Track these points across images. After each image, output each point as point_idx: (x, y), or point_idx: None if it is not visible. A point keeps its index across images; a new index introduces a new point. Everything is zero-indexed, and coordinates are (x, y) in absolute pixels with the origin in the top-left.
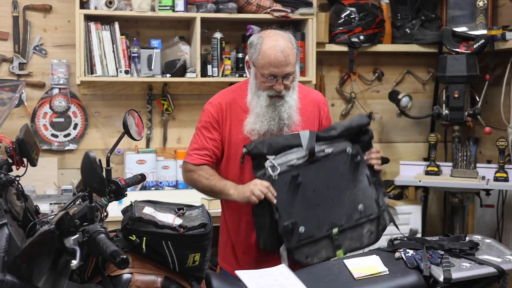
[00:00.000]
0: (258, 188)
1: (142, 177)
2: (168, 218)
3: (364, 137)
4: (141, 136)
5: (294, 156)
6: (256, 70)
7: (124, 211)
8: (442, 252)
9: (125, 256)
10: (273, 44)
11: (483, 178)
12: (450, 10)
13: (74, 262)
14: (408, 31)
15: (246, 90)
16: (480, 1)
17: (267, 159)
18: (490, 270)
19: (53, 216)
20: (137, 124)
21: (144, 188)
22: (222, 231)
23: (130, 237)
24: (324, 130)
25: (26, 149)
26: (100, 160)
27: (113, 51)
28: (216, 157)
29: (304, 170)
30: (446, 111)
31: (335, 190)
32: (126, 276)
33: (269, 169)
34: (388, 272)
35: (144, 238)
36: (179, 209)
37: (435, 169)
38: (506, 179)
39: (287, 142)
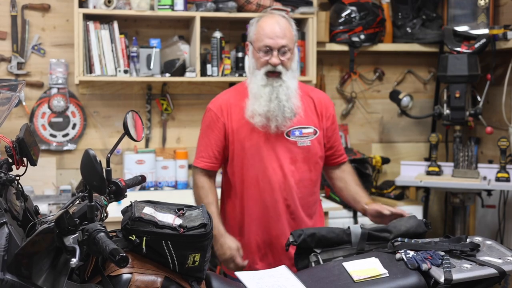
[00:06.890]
0: (230, 266)
1: (143, 178)
2: (168, 218)
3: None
4: (141, 137)
5: (341, 253)
6: (253, 48)
7: (124, 211)
8: (443, 253)
9: (124, 254)
10: (270, 18)
11: (485, 178)
12: (451, 9)
13: (74, 261)
14: (409, 31)
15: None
16: (481, 0)
17: (313, 251)
18: (491, 271)
19: (52, 216)
20: (137, 125)
21: (143, 188)
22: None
23: (130, 237)
24: (378, 230)
25: (26, 148)
26: (100, 160)
27: (112, 51)
28: (224, 156)
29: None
30: (447, 111)
31: None
32: (126, 276)
33: (313, 264)
34: (388, 275)
35: (144, 238)
36: (179, 209)
37: (436, 169)
38: (507, 180)
39: (337, 239)
